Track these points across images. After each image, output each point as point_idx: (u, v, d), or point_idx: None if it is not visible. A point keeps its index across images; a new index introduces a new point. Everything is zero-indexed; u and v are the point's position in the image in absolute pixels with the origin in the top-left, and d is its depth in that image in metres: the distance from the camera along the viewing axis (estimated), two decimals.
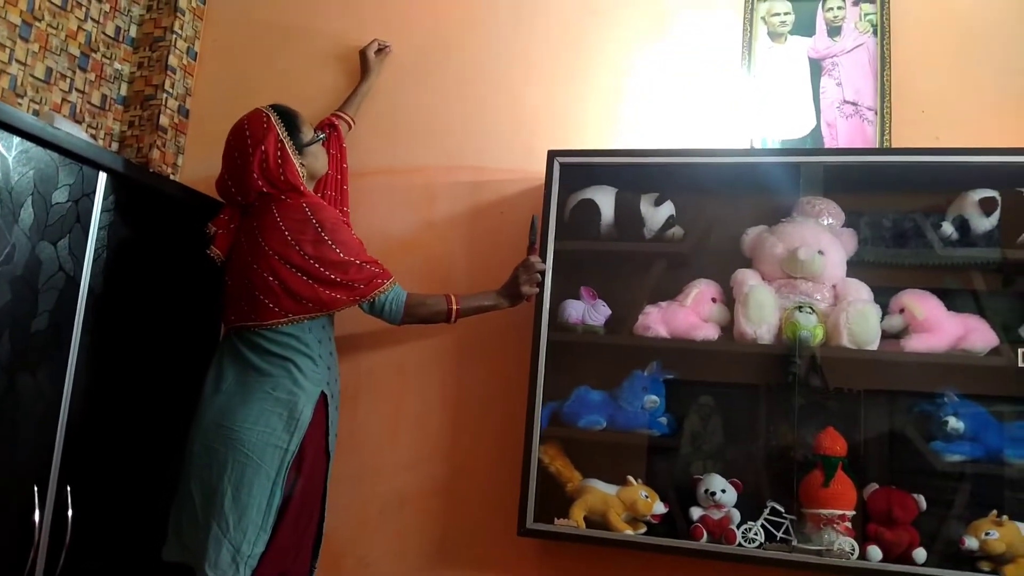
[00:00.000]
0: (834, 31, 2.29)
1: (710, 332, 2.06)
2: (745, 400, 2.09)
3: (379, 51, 2.55)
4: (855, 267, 2.06)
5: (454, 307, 2.10)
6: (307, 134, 2.09)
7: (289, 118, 2.07)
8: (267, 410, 1.90)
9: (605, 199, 2.20)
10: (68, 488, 1.84)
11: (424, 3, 2.61)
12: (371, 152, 2.53)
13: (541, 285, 2.12)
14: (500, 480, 2.20)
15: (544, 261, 2.12)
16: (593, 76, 2.43)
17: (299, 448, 1.91)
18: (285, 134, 2.03)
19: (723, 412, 2.09)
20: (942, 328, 1.93)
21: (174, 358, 2.20)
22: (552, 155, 2.19)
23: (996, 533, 1.79)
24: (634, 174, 2.20)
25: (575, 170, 2.20)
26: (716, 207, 2.20)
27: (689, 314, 2.09)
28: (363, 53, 2.54)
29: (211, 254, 2.06)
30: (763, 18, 2.33)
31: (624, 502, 1.99)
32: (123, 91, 2.64)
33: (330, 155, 2.31)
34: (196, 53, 2.74)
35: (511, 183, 2.42)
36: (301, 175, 2.04)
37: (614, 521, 1.97)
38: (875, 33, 2.25)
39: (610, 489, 2.01)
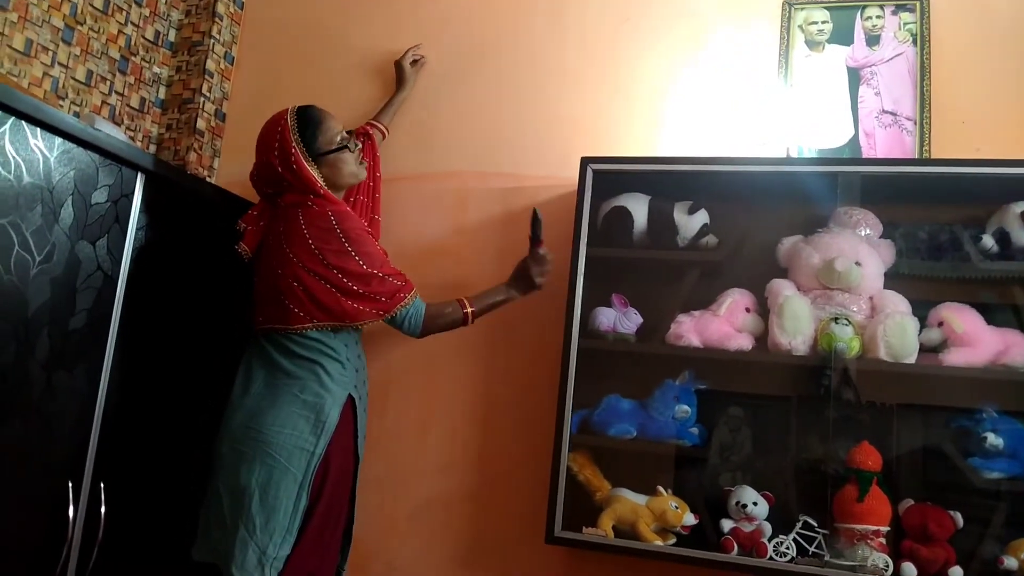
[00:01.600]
0: (873, 40, 2.26)
1: (744, 342, 2.04)
2: (778, 412, 2.06)
3: (415, 62, 2.56)
4: (892, 279, 2.03)
5: (469, 310, 2.09)
6: (328, 142, 2.04)
7: (308, 123, 2.02)
8: (294, 413, 1.91)
9: (638, 206, 2.19)
10: (102, 485, 1.86)
11: (460, 10, 2.62)
12: (404, 158, 2.54)
13: (572, 288, 2.10)
14: (529, 487, 2.19)
15: (576, 265, 2.11)
16: (628, 83, 2.42)
17: (326, 451, 1.91)
18: (298, 138, 2.00)
19: (755, 424, 2.07)
20: (982, 342, 1.90)
21: (206, 358, 2.21)
22: (585, 161, 2.18)
23: None
24: (668, 182, 2.19)
25: (608, 177, 2.19)
26: (751, 216, 2.18)
27: (723, 324, 2.07)
28: (399, 64, 2.56)
29: (239, 250, 2.06)
30: (800, 27, 2.31)
31: (654, 512, 1.97)
32: (161, 94, 2.68)
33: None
34: (233, 58, 2.77)
35: (544, 189, 2.42)
36: (319, 181, 2.01)
37: (643, 531, 1.96)
38: (914, 42, 2.22)
39: (639, 499, 2.00)
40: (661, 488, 1.99)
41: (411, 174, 2.53)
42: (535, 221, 2.12)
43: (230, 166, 2.68)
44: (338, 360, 1.98)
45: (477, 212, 2.49)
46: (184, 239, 2.15)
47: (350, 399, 2.00)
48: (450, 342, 2.38)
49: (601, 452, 2.11)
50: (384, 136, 2.49)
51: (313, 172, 2.00)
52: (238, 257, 2.07)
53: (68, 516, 1.77)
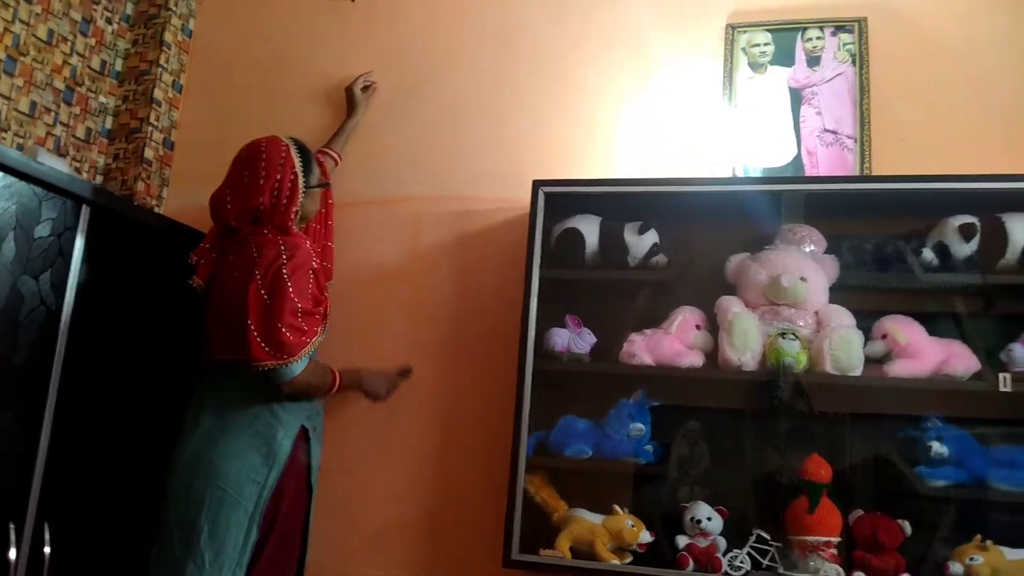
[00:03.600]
0: (813, 61, 2.32)
1: (695, 359, 2.06)
2: (730, 427, 2.08)
3: (365, 88, 2.57)
4: (838, 293, 2.06)
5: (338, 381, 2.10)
6: (315, 176, 2.09)
7: (306, 156, 2.06)
8: (246, 444, 1.88)
9: (590, 228, 2.21)
10: (46, 525, 1.82)
11: (410, 35, 2.63)
12: (356, 184, 2.54)
13: (526, 309, 2.11)
14: (486, 510, 2.18)
15: (530, 287, 2.12)
16: (578, 106, 2.45)
17: (278, 482, 1.89)
18: (300, 170, 2.02)
19: (709, 439, 2.08)
20: (924, 353, 1.94)
21: (154, 392, 2.18)
22: (537, 184, 2.20)
23: (980, 558, 1.78)
24: (618, 203, 2.21)
25: (560, 199, 2.21)
26: (700, 235, 2.22)
27: (674, 341, 2.09)
28: (349, 90, 2.56)
29: (193, 284, 2.05)
30: (743, 49, 2.36)
31: (610, 531, 1.97)
32: (108, 124, 2.65)
33: None
34: (182, 86, 2.75)
35: (497, 212, 2.44)
36: (295, 216, 2.01)
37: (600, 551, 1.96)
38: (854, 63, 2.28)
39: (596, 518, 2.00)
40: (617, 507, 2.00)
41: (364, 200, 2.53)
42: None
43: (179, 195, 2.66)
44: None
45: (431, 236, 2.49)
46: (131, 271, 2.12)
47: (303, 430, 1.98)
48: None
49: (558, 473, 2.11)
50: (336, 163, 2.49)
51: (298, 205, 2.01)
52: (190, 289, 2.05)
53: (9, 559, 1.73)
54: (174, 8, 2.70)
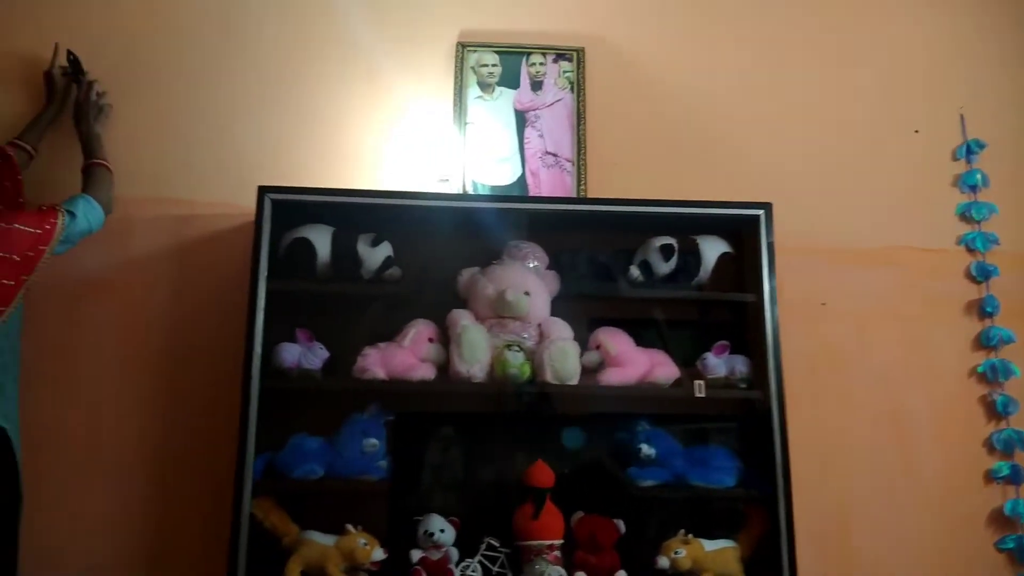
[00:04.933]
0: (537, 85, 2.45)
1: (427, 372, 2.09)
2: (464, 438, 2.15)
3: (67, 72, 2.30)
4: (560, 306, 2.19)
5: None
6: None
7: None
8: None
9: (321, 238, 2.16)
10: None
11: (122, 17, 2.40)
12: (58, 182, 2.25)
13: (252, 323, 2.01)
14: (213, 540, 2.05)
15: (256, 299, 2.03)
16: (309, 111, 2.40)
17: None
18: None
19: (443, 452, 2.13)
20: (632, 362, 2.12)
21: None
22: (263, 191, 2.10)
23: (683, 551, 1.98)
24: (351, 214, 2.18)
25: (289, 207, 2.13)
26: (433, 248, 2.25)
27: (407, 355, 2.11)
28: (48, 74, 2.29)
29: None
30: (473, 68, 2.43)
31: (342, 552, 1.93)
32: None
33: (1, 187, 2.05)
34: None
35: (221, 218, 2.32)
36: None
37: (333, 573, 1.91)
38: (572, 90, 2.44)
39: (328, 540, 1.95)
40: (349, 526, 1.96)
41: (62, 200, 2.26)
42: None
43: None
44: None
45: (146, 242, 2.30)
46: None
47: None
48: (113, 385, 2.20)
49: (288, 496, 2.04)
50: (32, 157, 2.20)
51: None
52: None
53: None
54: None
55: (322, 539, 1.96)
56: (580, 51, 2.47)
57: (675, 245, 2.20)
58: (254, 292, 2.04)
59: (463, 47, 2.44)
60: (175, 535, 2.14)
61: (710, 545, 2.01)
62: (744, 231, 2.22)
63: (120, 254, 2.28)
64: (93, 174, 2.15)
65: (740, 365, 2.14)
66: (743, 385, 2.14)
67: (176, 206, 2.32)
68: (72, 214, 1.96)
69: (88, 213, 2.01)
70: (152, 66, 2.40)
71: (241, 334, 2.03)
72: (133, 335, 2.24)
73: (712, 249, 2.20)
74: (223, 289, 2.23)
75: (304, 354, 2.09)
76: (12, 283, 1.83)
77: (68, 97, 2.31)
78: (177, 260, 2.30)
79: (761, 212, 2.16)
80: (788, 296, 2.19)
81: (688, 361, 2.17)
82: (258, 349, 2.01)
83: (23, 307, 1.96)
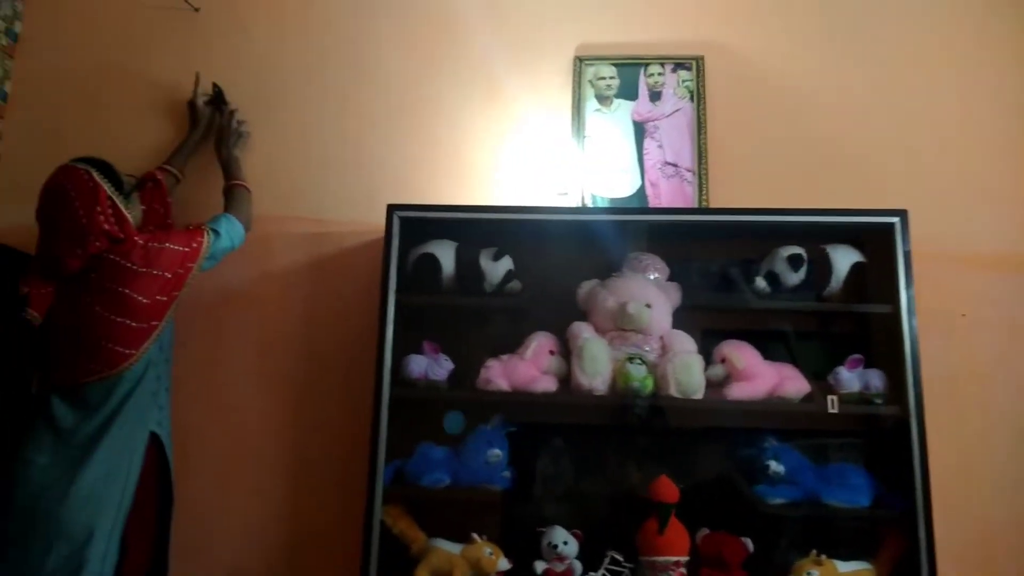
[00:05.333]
0: (655, 96, 2.44)
1: (549, 384, 2.11)
2: (585, 450, 2.15)
3: (210, 101, 2.46)
4: (681, 318, 2.16)
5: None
6: (126, 183, 2.02)
7: (109, 170, 1.97)
8: (102, 474, 1.82)
9: (445, 253, 2.22)
10: None
11: (257, 51, 2.56)
12: (202, 203, 2.40)
13: (382, 335, 2.08)
14: (344, 544, 2.13)
15: (385, 312, 2.10)
16: (432, 132, 2.46)
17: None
18: (112, 189, 1.94)
19: (566, 463, 2.14)
20: (761, 376, 2.07)
21: None
22: (391, 209, 2.18)
23: (816, 572, 1.90)
24: (473, 229, 2.23)
25: (415, 224, 2.20)
26: (552, 262, 2.27)
27: (529, 367, 2.13)
28: (191, 104, 2.45)
29: (28, 317, 1.90)
30: (591, 81, 2.45)
31: (469, 560, 1.98)
32: None
33: (152, 209, 2.21)
34: (6, 94, 2.53)
35: (351, 235, 2.40)
36: (134, 223, 1.98)
37: None
38: (692, 99, 2.41)
39: (455, 548, 2.00)
40: (475, 535, 2.00)
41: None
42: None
43: (2, 215, 2.43)
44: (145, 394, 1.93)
45: (282, 258, 2.42)
46: None
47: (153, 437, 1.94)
48: (253, 394, 2.32)
49: (416, 503, 2.10)
50: (178, 180, 2.37)
51: (129, 216, 1.98)
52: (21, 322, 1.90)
53: None
54: None
55: (449, 547, 2.00)
56: (699, 59, 2.44)
57: (804, 255, 2.13)
58: (384, 305, 2.11)
59: (580, 61, 2.45)
60: (310, 538, 2.23)
61: (844, 567, 1.93)
62: (872, 239, 2.13)
63: (258, 269, 2.41)
64: (234, 195, 2.28)
65: (875, 379, 2.04)
66: (878, 400, 2.03)
67: (310, 224, 2.43)
68: (216, 232, 2.08)
69: (230, 231, 2.13)
70: (285, 94, 2.52)
71: (370, 346, 2.11)
72: (270, 346, 2.36)
73: (844, 258, 2.12)
74: (353, 302, 2.33)
75: (431, 365, 2.15)
76: (165, 299, 1.96)
77: (211, 124, 2.46)
78: (311, 275, 2.40)
79: (896, 219, 2.06)
80: (924, 306, 2.08)
81: (815, 375, 2.10)
82: (388, 360, 2.09)
83: (174, 321, 2.11)
